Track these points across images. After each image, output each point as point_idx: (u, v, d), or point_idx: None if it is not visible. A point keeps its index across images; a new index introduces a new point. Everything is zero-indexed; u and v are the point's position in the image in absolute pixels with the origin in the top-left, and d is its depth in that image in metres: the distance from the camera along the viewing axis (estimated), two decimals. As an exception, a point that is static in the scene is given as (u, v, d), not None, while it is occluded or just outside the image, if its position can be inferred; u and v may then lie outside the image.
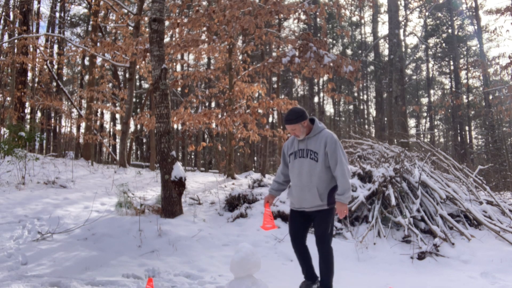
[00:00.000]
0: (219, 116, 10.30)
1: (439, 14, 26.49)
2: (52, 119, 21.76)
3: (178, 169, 6.12)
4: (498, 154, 19.23)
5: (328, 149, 3.43)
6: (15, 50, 14.24)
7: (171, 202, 6.06)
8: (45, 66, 16.28)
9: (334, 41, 28.64)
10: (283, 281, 4.02)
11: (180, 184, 6.11)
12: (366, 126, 28.47)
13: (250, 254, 3.15)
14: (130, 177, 9.79)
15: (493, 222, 5.95)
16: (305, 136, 3.51)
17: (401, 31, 20.98)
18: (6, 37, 16.10)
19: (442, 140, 30.70)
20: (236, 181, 9.36)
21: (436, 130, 29.92)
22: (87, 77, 19.46)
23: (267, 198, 3.73)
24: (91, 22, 15.85)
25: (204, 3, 11.17)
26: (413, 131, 27.24)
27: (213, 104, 22.35)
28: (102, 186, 8.21)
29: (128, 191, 6.39)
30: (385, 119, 20.90)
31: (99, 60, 15.70)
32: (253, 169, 22.15)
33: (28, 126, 14.20)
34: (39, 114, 20.74)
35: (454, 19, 25.16)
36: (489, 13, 20.60)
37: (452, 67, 26.92)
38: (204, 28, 9.53)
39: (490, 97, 18.55)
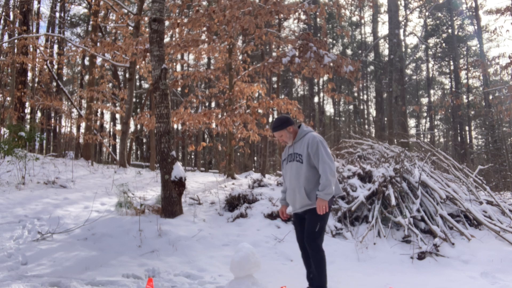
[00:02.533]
0: (219, 116, 10.30)
1: (439, 14, 26.49)
2: (52, 119, 21.76)
3: (178, 169, 6.12)
4: (498, 154, 19.23)
5: (310, 149, 3.52)
6: (15, 50, 14.23)
7: (171, 202, 6.06)
8: (45, 66, 16.28)
9: (334, 41, 28.64)
10: (283, 281, 4.02)
11: (180, 184, 6.11)
12: (366, 126, 28.48)
13: (250, 254, 3.15)
14: (130, 177, 9.79)
15: (493, 222, 5.94)
16: (292, 141, 3.68)
17: (401, 31, 20.99)
18: (6, 37, 16.10)
19: (442, 140, 30.71)
20: (236, 181, 9.36)
21: (436, 130, 29.92)
22: (87, 77, 19.46)
23: (281, 210, 3.90)
24: (91, 22, 15.85)
25: (204, 3, 11.18)
26: (413, 131, 27.26)
27: (213, 104, 22.35)
28: (102, 186, 8.20)
29: (128, 191, 6.38)
30: (385, 119, 20.91)
31: (99, 60, 15.70)
32: (253, 169, 22.15)
33: (28, 126, 14.19)
34: (39, 114, 20.74)
35: (454, 19, 25.16)
36: (489, 13, 20.60)
37: (452, 67, 26.92)
38: (204, 28, 9.53)
39: (490, 97, 18.55)
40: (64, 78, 22.91)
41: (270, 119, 23.93)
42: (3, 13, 16.06)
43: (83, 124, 16.85)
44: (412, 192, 6.23)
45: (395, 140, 12.81)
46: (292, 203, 3.68)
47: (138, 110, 22.48)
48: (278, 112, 15.89)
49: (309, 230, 3.52)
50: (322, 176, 3.43)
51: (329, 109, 32.52)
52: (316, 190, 3.50)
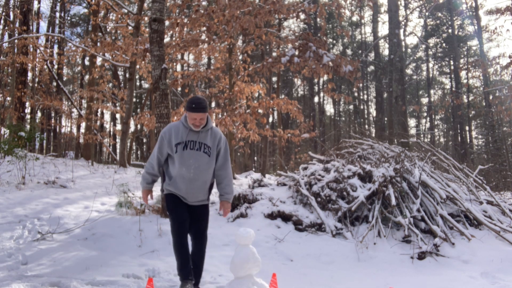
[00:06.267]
0: (219, 115, 10.31)
1: (439, 14, 26.49)
2: (52, 119, 21.76)
3: (178, 169, 6.11)
4: (498, 154, 19.22)
5: (222, 145, 3.48)
6: (15, 50, 14.23)
7: (171, 202, 6.04)
8: (45, 66, 16.28)
9: (334, 41, 28.64)
10: (283, 281, 4.01)
11: (180, 184, 6.10)
12: (366, 126, 28.46)
13: (250, 254, 3.15)
14: (130, 177, 9.79)
15: (493, 222, 5.94)
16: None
17: (401, 31, 20.99)
18: (6, 37, 16.10)
19: (442, 140, 30.71)
20: (236, 181, 9.36)
21: (436, 130, 29.92)
22: (87, 77, 19.47)
23: (146, 195, 3.54)
24: (91, 22, 15.85)
25: (204, 3, 11.18)
26: (413, 131, 27.25)
27: (213, 104, 22.36)
28: (102, 186, 8.20)
29: (128, 191, 6.38)
30: (385, 119, 20.90)
31: (99, 60, 15.70)
32: (253, 169, 22.15)
33: (28, 126, 14.18)
34: (39, 114, 20.74)
35: (454, 19, 25.15)
36: (489, 13, 20.62)
37: (452, 67, 26.92)
38: (204, 28, 9.53)
39: (490, 97, 18.55)
40: (64, 78, 22.90)
41: (270, 119, 23.97)
42: (3, 13, 16.05)
43: (83, 124, 16.87)
44: (412, 192, 6.22)
45: (395, 140, 12.81)
46: (186, 195, 3.43)
47: (138, 110, 22.48)
48: (278, 112, 15.88)
49: (204, 226, 3.56)
50: (229, 178, 3.50)
51: (329, 109, 32.55)
52: (209, 186, 3.54)
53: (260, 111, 10.13)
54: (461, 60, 26.36)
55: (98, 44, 12.92)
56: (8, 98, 15.16)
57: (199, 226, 3.53)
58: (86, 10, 21.92)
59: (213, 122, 3.20)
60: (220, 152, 3.48)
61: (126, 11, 13.65)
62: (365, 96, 30.93)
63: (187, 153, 3.37)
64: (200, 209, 3.54)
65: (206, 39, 9.93)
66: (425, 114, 29.54)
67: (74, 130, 22.09)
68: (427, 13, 24.86)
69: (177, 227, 3.40)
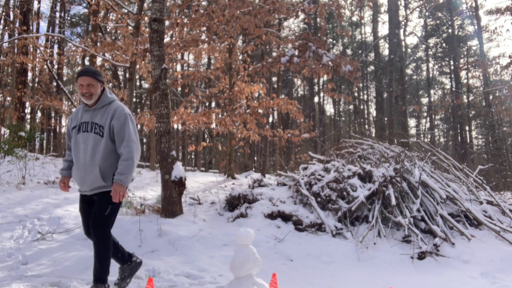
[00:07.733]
0: (219, 116, 10.31)
1: (439, 14, 26.51)
2: (52, 119, 21.78)
3: (178, 169, 6.12)
4: (498, 154, 19.23)
5: (115, 122, 3.02)
6: (15, 50, 14.25)
7: (171, 202, 6.05)
8: (45, 66, 16.28)
9: (334, 41, 28.66)
10: (283, 281, 4.01)
11: (180, 184, 6.11)
12: (366, 126, 28.47)
13: (250, 254, 3.15)
14: (130, 177, 9.76)
15: (493, 222, 5.94)
16: (92, 106, 3.06)
17: (401, 31, 20.98)
18: (6, 37, 16.12)
19: (442, 140, 30.74)
20: (236, 181, 9.36)
21: (436, 130, 29.93)
22: (87, 77, 19.41)
23: (63, 181, 3.24)
24: (91, 22, 15.86)
25: (204, 3, 11.19)
26: (413, 131, 27.27)
27: (213, 104, 22.36)
28: (102, 186, 8.20)
29: (128, 191, 6.38)
30: (385, 119, 20.90)
31: (99, 60, 15.70)
32: (253, 169, 22.15)
33: (28, 126, 14.20)
34: (39, 114, 20.76)
35: (454, 19, 25.16)
36: (489, 13, 20.64)
37: (452, 67, 26.93)
38: (204, 28, 9.53)
39: (490, 97, 18.55)
40: (64, 78, 22.92)
41: (270, 119, 23.97)
42: (3, 13, 16.06)
43: (83, 124, 16.83)
44: (412, 192, 6.23)
45: (395, 140, 12.82)
46: (80, 183, 3.10)
47: (138, 110, 22.48)
48: (278, 112, 15.89)
49: (97, 213, 3.07)
50: (127, 157, 3.02)
51: (329, 109, 32.58)
52: (112, 171, 3.05)
53: (260, 111, 10.13)
54: (461, 60, 26.38)
55: (98, 44, 12.93)
56: (8, 98, 15.17)
57: (92, 217, 3.11)
58: (86, 10, 21.93)
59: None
60: (114, 130, 3.03)
61: (126, 11, 13.64)
62: (365, 96, 30.96)
63: (80, 136, 3.06)
64: (97, 197, 3.11)
65: (206, 39, 9.94)
66: (425, 114, 29.58)
67: (74, 130, 22.06)
68: (427, 13, 24.89)
69: (84, 231, 3.33)
